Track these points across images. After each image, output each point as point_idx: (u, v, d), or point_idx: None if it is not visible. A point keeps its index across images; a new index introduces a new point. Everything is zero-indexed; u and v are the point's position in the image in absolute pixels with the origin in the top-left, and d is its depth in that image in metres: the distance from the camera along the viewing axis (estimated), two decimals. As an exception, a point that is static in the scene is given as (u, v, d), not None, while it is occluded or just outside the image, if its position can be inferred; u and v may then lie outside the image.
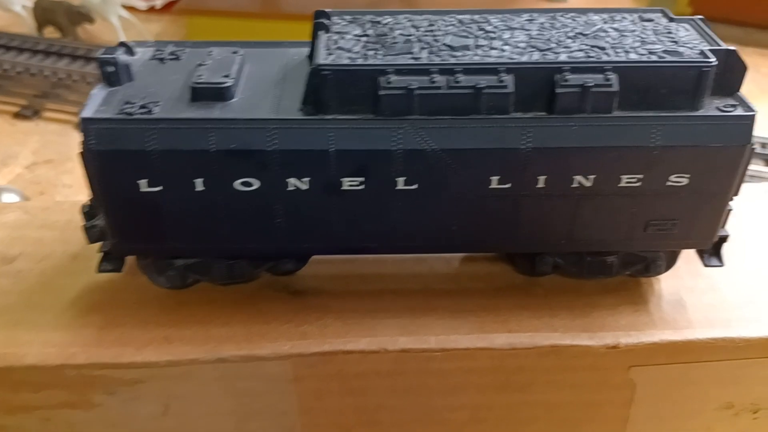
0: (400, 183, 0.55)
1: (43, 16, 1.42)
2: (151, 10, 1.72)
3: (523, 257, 0.64)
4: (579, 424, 0.65)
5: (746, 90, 0.56)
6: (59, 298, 0.63)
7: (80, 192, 0.63)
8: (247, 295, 0.64)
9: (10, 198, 0.86)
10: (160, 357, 0.57)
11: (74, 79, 0.95)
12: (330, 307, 0.62)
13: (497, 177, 0.55)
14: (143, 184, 0.54)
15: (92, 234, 0.60)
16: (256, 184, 0.55)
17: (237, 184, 0.55)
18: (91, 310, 0.62)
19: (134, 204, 0.55)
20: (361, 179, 0.55)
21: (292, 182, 0.55)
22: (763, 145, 1.38)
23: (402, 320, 0.61)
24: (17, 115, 0.88)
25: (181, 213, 0.56)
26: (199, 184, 0.55)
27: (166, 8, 1.79)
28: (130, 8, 1.63)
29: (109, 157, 0.53)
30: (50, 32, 1.28)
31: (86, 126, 0.53)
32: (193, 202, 0.55)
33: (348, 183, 0.55)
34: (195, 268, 0.62)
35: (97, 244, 0.61)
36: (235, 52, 0.60)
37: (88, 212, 0.61)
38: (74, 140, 0.86)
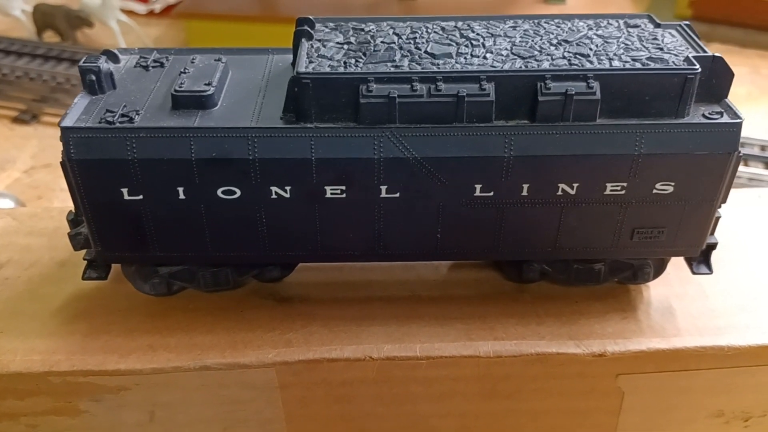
0: (383, 191, 0.55)
1: (42, 20, 1.42)
2: (150, 14, 1.72)
3: (510, 264, 0.64)
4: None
5: (746, 91, 0.56)
6: (45, 306, 0.63)
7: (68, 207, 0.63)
8: (233, 302, 0.63)
9: (4, 203, 0.86)
10: (144, 365, 0.57)
11: (73, 84, 0.95)
12: (316, 315, 0.62)
13: (480, 185, 0.55)
14: (125, 193, 0.54)
15: (77, 242, 0.60)
16: (238, 192, 0.55)
17: (219, 193, 0.55)
18: (77, 318, 0.62)
19: (116, 212, 0.55)
20: (343, 187, 0.55)
21: (275, 190, 0.55)
22: (763, 148, 1.37)
23: (388, 328, 0.61)
24: (16, 120, 0.89)
25: (163, 221, 0.56)
26: (181, 193, 0.54)
27: (165, 12, 1.79)
28: (129, 12, 1.63)
29: (89, 166, 0.53)
30: (49, 36, 1.29)
31: (66, 135, 0.53)
32: (176, 210, 0.55)
33: (330, 191, 0.55)
34: (179, 275, 0.62)
35: (83, 252, 0.61)
36: (218, 60, 0.59)
37: (74, 220, 0.61)
38: None
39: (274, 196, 0.55)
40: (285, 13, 1.59)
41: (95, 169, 0.53)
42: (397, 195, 0.55)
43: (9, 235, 0.72)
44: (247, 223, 0.56)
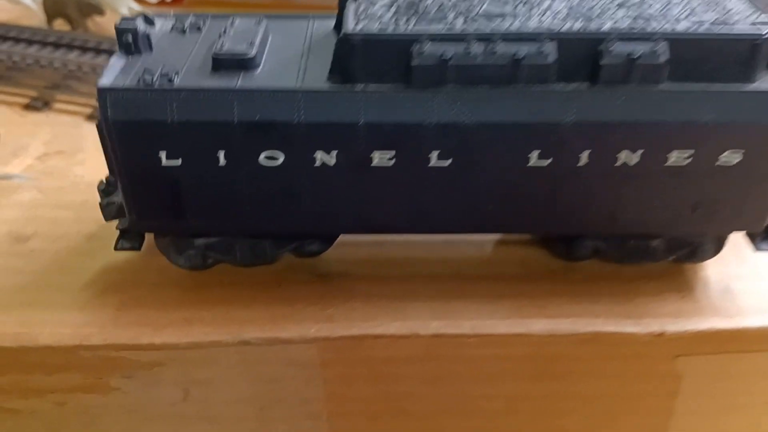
0: (433, 158, 0.52)
1: (53, 8, 1.39)
2: (162, 3, 1.69)
3: (560, 240, 0.61)
4: (618, 417, 0.62)
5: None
6: (75, 279, 0.61)
7: (93, 183, 0.62)
8: (270, 277, 0.61)
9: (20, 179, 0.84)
10: (180, 339, 0.55)
11: (84, 71, 0.94)
12: (357, 291, 0.59)
13: (536, 152, 0.52)
14: (163, 157, 0.52)
15: (109, 211, 0.58)
16: (280, 158, 0.52)
17: (261, 159, 0.52)
18: (108, 291, 0.60)
19: (153, 178, 0.53)
20: (392, 154, 0.52)
21: (319, 157, 0.52)
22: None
23: (433, 305, 0.58)
24: (27, 107, 0.88)
25: (202, 188, 0.53)
26: (221, 158, 0.52)
27: (176, 1, 1.76)
28: (141, 1, 1.60)
29: (127, 127, 0.50)
30: (60, 24, 1.26)
31: (104, 95, 0.50)
32: (215, 177, 0.53)
33: (378, 158, 0.52)
34: (216, 247, 0.59)
35: (114, 222, 0.58)
36: (258, 23, 0.57)
37: (105, 189, 0.59)
38: (86, 132, 0.84)
39: (318, 163, 0.52)
40: (299, 2, 1.55)
41: (133, 132, 0.51)
42: (448, 163, 0.52)
43: (35, 208, 0.69)
44: (290, 191, 0.54)
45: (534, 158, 0.52)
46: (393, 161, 0.52)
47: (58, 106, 0.84)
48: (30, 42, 1.05)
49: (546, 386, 0.59)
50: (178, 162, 0.52)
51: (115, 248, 0.58)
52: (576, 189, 0.54)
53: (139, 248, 0.58)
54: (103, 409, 0.59)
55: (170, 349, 0.55)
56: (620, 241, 0.59)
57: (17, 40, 1.05)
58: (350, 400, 0.60)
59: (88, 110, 0.80)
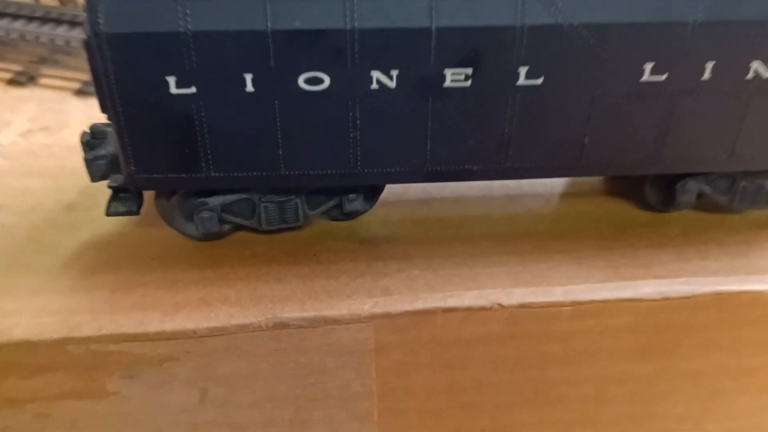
0: (522, 76, 0.41)
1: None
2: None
3: (658, 185, 0.50)
4: (727, 397, 0.51)
5: None
6: (55, 257, 0.48)
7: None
8: (301, 246, 0.49)
9: None
10: (199, 323, 0.42)
11: (73, 46, 0.91)
12: (412, 256, 0.48)
13: (651, 65, 0.41)
14: (172, 84, 0.39)
15: (97, 167, 0.46)
16: (326, 81, 0.40)
17: (301, 82, 0.40)
18: (98, 270, 0.47)
19: (159, 113, 0.40)
20: (470, 71, 0.40)
21: (376, 77, 0.40)
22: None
23: (511, 268, 0.47)
24: (11, 82, 0.85)
25: (222, 126, 0.41)
26: (249, 83, 0.40)
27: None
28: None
29: (125, 43, 0.38)
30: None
31: (93, 1, 0.37)
32: (240, 109, 0.41)
33: (452, 77, 0.40)
34: (235, 208, 0.47)
35: (102, 185, 0.46)
36: None
37: (89, 141, 0.46)
38: (73, 107, 0.79)
39: (374, 85, 0.40)
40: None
41: (133, 48, 0.38)
42: (540, 81, 0.41)
43: (1, 176, 0.56)
44: (336, 126, 0.42)
45: (647, 72, 0.41)
46: (470, 81, 0.41)
47: (44, 81, 0.79)
48: (15, 16, 1.01)
49: (646, 366, 0.48)
50: (192, 90, 0.40)
51: (107, 213, 0.46)
52: (694, 113, 0.43)
53: (137, 212, 0.46)
54: (98, 420, 0.46)
55: (185, 337, 0.43)
56: (729, 183, 0.49)
57: (1, 15, 1.01)
58: (408, 393, 0.48)
59: (76, 85, 0.73)
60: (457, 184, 0.54)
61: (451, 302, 0.44)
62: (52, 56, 0.86)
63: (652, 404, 0.51)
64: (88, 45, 0.39)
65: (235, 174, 0.43)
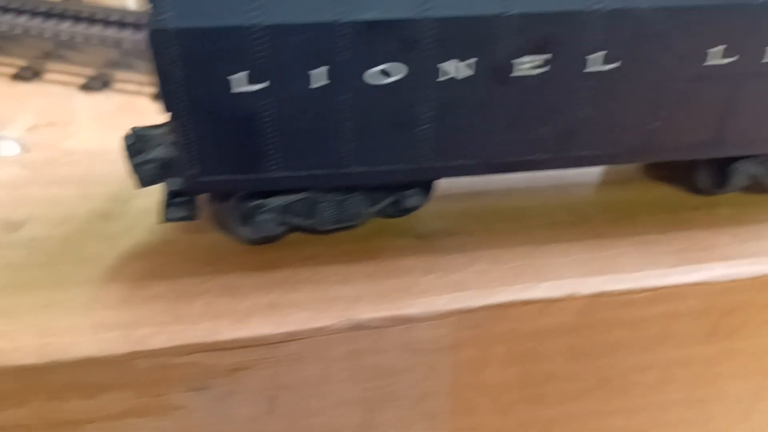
0: (594, 61, 0.40)
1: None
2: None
3: (710, 168, 0.50)
4: (783, 377, 0.51)
5: None
6: (99, 269, 0.46)
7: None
8: (358, 245, 0.47)
9: (8, 148, 0.70)
10: (274, 328, 0.41)
11: (77, 41, 0.94)
12: (475, 250, 0.47)
13: (718, 47, 0.41)
14: (243, 79, 0.37)
15: (146, 172, 0.43)
16: (398, 72, 0.39)
17: (372, 75, 0.39)
18: (150, 280, 0.45)
19: (228, 110, 0.39)
20: (543, 58, 0.40)
21: (448, 68, 0.39)
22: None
23: (577, 258, 0.46)
24: (16, 77, 0.85)
25: (291, 122, 0.40)
26: (317, 77, 0.38)
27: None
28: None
29: (194, 38, 0.36)
30: None
31: (160, -6, 0.35)
32: (310, 104, 0.39)
33: (525, 65, 0.40)
34: (295, 209, 0.45)
35: (142, 193, 0.44)
36: None
37: (135, 144, 0.44)
38: (79, 102, 0.77)
39: (445, 76, 0.39)
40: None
41: (203, 43, 0.36)
42: (612, 66, 0.41)
43: (22, 187, 0.53)
44: (404, 120, 0.41)
45: (714, 55, 0.41)
46: (543, 68, 0.40)
47: (49, 76, 0.76)
48: (19, 11, 1.00)
49: (712, 347, 0.49)
50: (263, 85, 0.38)
51: (164, 220, 0.43)
52: (755, 95, 0.43)
53: (195, 217, 0.44)
54: (160, 438, 0.44)
55: (259, 344, 0.41)
56: (782, 164, 0.49)
57: (5, 9, 1.00)
58: (478, 391, 0.47)
59: (81, 80, 0.70)
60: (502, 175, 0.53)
61: (528, 294, 0.43)
62: (56, 51, 0.86)
63: (711, 385, 0.51)
64: (153, 41, 0.36)
65: (301, 173, 0.42)
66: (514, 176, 0.53)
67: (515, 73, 0.40)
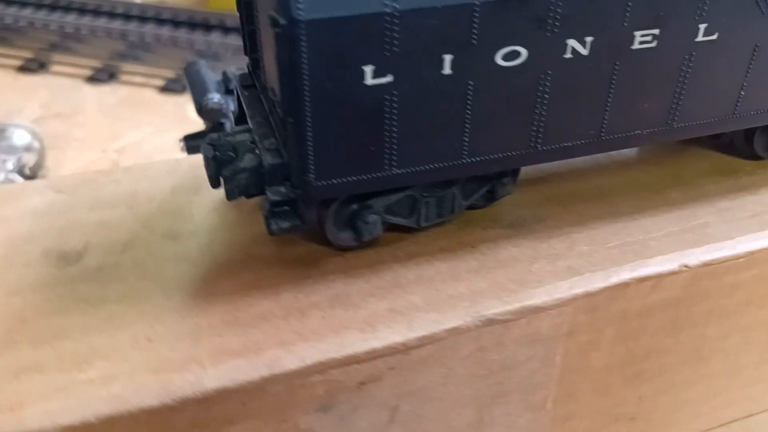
0: (701, 32, 0.40)
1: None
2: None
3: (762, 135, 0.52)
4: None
5: None
6: (190, 294, 0.42)
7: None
8: (451, 240, 0.46)
9: (20, 136, 0.65)
10: (407, 334, 0.39)
11: (83, 33, 0.97)
12: (572, 232, 0.46)
13: (802, 13, 0.42)
14: (368, 73, 0.35)
15: (237, 183, 0.40)
16: (523, 54, 0.38)
17: (499, 58, 0.37)
18: (250, 299, 0.42)
19: (349, 108, 0.36)
20: (657, 31, 0.39)
21: (572, 45, 0.38)
22: None
23: (669, 230, 0.47)
24: (22, 69, 0.87)
25: (413, 116, 0.38)
26: (447, 64, 0.36)
27: None
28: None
29: (324, 29, 0.34)
30: None
31: (291, -15, 0.33)
32: (434, 95, 0.37)
33: (640, 39, 0.39)
34: (397, 208, 0.43)
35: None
36: None
37: (216, 156, 0.41)
38: (85, 94, 0.74)
39: (568, 54, 0.39)
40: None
41: (332, 35, 0.34)
42: (715, 37, 0.41)
43: (63, 213, 0.48)
44: (523, 103, 0.40)
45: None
46: (656, 42, 0.40)
47: (55, 68, 0.74)
48: (24, 3, 1.02)
49: (788, 306, 0.50)
50: (388, 78, 0.36)
51: (271, 233, 0.40)
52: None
53: (304, 227, 0.41)
54: (278, 466, 0.41)
55: (393, 353, 0.39)
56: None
57: (10, 2, 1.02)
58: (582, 376, 0.47)
59: (88, 72, 0.67)
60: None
61: (642, 272, 0.43)
62: (62, 43, 0.88)
63: (783, 344, 0.53)
64: (281, 35, 0.34)
65: (417, 168, 0.40)
66: (575, 159, 0.53)
67: (635, 46, 0.40)
